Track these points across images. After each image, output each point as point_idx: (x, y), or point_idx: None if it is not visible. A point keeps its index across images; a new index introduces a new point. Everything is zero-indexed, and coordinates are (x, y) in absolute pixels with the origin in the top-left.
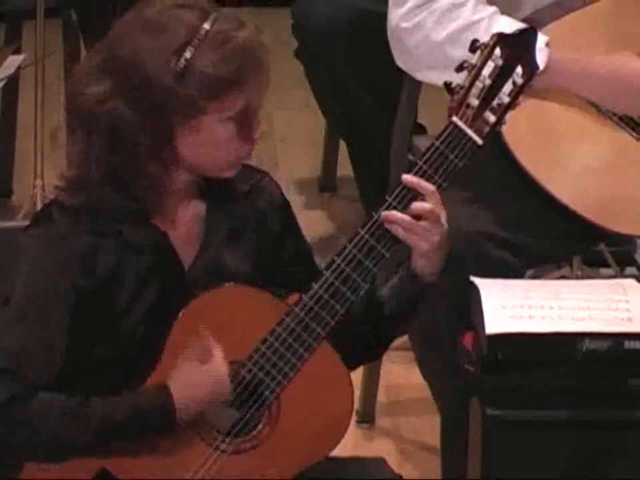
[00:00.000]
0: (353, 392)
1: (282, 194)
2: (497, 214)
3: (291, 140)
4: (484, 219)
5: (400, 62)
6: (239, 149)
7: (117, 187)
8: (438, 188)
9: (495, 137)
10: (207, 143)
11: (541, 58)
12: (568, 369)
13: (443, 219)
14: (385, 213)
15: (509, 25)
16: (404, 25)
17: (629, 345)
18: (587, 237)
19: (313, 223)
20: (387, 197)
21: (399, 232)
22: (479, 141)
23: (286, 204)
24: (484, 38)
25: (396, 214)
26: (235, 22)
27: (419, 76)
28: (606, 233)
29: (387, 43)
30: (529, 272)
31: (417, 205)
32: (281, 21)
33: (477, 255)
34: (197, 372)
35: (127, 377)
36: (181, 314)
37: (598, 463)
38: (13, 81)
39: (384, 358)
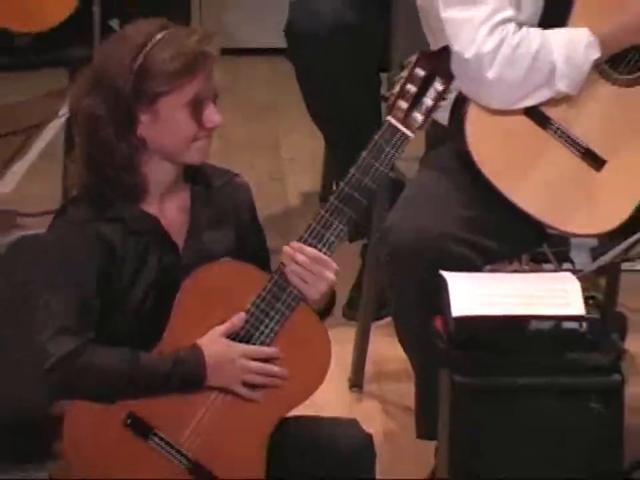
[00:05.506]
0: (330, 345)
1: (251, 195)
2: (462, 217)
3: (297, 159)
4: (448, 221)
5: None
6: (195, 132)
7: (104, 177)
8: (380, 174)
9: (464, 154)
10: (168, 127)
11: (593, 51)
12: (519, 344)
13: (332, 274)
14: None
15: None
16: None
17: (567, 325)
18: (536, 240)
19: None
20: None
21: (292, 279)
22: (411, 135)
23: (253, 204)
24: (554, 55)
25: (297, 260)
26: (187, 30)
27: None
28: (550, 234)
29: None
30: (487, 267)
31: (314, 252)
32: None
33: (440, 252)
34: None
35: (137, 344)
36: (184, 283)
37: (547, 421)
38: None
39: (372, 332)
